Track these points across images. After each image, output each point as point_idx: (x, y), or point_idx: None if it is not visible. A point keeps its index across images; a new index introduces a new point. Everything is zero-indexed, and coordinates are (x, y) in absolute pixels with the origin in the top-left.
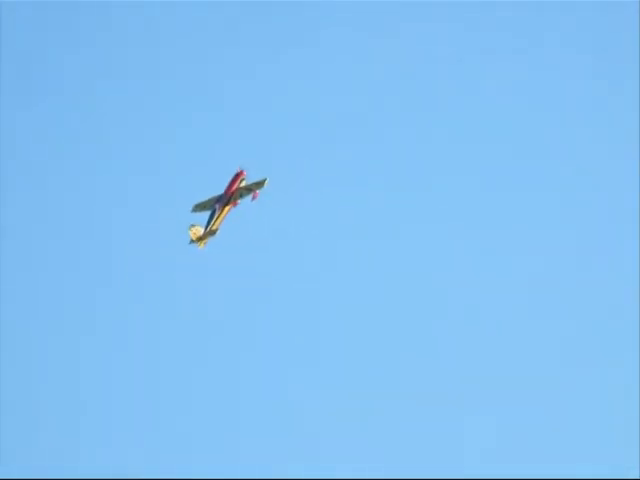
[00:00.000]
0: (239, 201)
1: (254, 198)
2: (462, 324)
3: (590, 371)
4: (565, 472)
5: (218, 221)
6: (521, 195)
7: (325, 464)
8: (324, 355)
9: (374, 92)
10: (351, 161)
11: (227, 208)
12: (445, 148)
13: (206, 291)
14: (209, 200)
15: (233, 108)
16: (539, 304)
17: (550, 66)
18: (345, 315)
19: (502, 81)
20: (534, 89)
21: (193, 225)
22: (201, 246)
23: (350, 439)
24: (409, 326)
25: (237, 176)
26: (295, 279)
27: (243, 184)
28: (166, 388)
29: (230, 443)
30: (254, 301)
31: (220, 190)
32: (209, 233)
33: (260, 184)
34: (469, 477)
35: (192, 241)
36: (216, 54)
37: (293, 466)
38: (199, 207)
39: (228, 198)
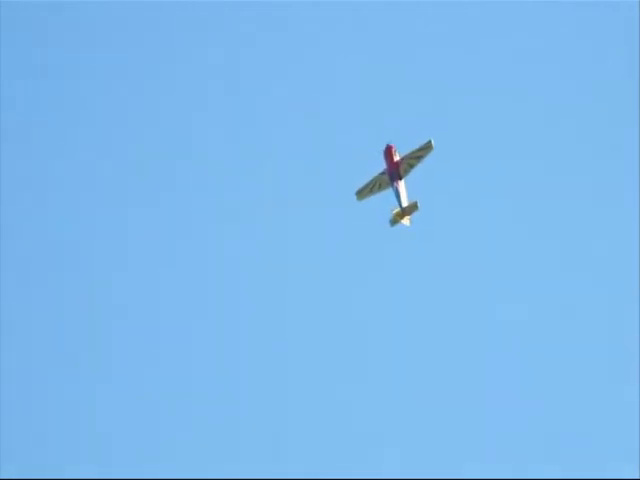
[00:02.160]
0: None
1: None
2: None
3: (590, 371)
4: (564, 472)
5: (404, 196)
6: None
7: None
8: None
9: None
10: None
11: (402, 182)
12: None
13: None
14: (372, 181)
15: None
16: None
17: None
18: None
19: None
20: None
21: (393, 209)
22: (408, 223)
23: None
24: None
25: (389, 150)
26: None
27: (398, 156)
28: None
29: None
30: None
31: (373, 169)
32: (412, 207)
33: (428, 147)
34: (469, 477)
35: (395, 222)
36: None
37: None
38: (364, 192)
39: (397, 172)
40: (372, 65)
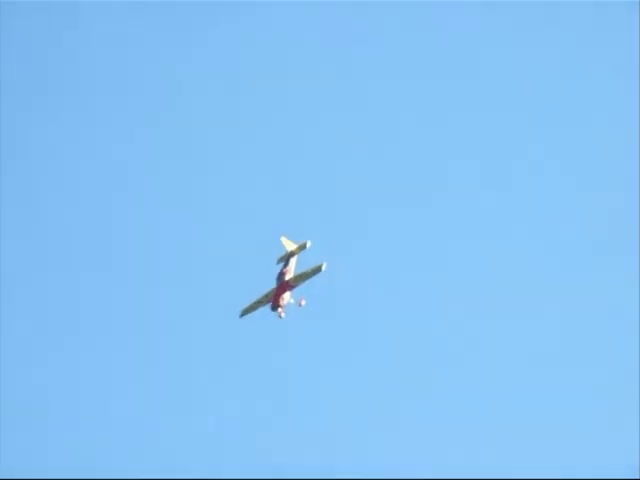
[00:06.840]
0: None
1: (300, 305)
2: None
3: (589, 370)
4: (564, 472)
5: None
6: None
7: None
8: None
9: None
10: None
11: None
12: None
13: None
14: (258, 301)
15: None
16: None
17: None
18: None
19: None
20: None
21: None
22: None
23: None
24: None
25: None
26: None
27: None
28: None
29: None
30: None
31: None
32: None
33: (316, 270)
34: (468, 477)
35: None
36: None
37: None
38: (248, 311)
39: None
40: None
